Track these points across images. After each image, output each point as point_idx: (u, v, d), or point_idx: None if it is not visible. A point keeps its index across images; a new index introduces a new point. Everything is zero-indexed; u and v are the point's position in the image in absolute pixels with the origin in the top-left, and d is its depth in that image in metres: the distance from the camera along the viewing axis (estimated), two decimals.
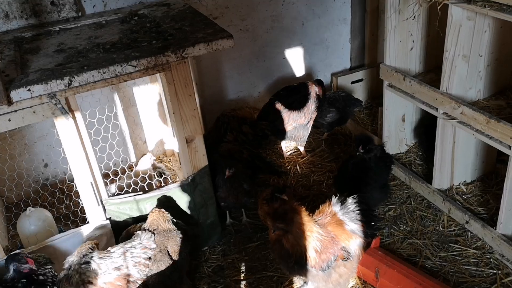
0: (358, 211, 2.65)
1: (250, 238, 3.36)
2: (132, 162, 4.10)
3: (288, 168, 4.02)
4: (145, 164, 3.58)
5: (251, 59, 4.27)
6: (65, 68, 2.52)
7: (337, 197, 2.72)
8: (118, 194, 3.40)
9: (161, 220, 2.78)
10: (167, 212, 2.83)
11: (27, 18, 3.27)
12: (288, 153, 4.20)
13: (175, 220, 2.85)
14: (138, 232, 2.77)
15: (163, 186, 3.10)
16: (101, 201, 2.91)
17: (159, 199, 3.02)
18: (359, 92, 4.65)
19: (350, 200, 2.69)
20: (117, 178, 3.66)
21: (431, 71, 3.62)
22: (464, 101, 2.96)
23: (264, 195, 3.15)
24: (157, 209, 2.83)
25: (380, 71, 3.54)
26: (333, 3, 4.36)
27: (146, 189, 3.22)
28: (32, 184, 3.39)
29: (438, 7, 2.81)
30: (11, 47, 2.91)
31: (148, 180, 3.35)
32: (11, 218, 3.45)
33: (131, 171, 3.84)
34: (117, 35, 3.02)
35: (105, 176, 3.58)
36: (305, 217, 2.54)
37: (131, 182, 3.38)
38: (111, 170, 3.74)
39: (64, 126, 2.61)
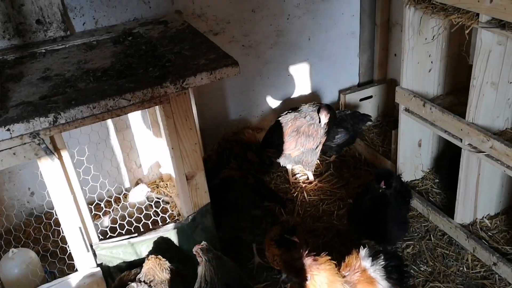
0: (391, 268, 2.36)
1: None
2: (127, 189, 3.81)
3: (295, 195, 3.74)
4: (138, 195, 3.28)
5: (254, 76, 3.98)
6: (50, 102, 2.22)
7: (365, 249, 2.43)
8: (112, 227, 3.11)
9: (158, 269, 2.49)
10: (164, 259, 2.54)
11: (10, 38, 2.97)
12: (295, 178, 3.92)
13: (173, 267, 2.56)
14: (132, 284, 2.47)
15: (161, 227, 2.80)
16: (91, 246, 2.62)
17: (156, 242, 2.73)
18: (368, 109, 4.36)
19: (382, 254, 2.39)
20: (110, 210, 3.36)
21: (451, 94, 3.36)
22: (491, 132, 2.69)
23: (272, 235, 2.86)
24: (153, 256, 2.54)
25: (396, 95, 3.26)
26: (341, 16, 4.08)
27: (143, 221, 2.93)
28: (15, 219, 3.09)
29: (466, 32, 2.53)
30: None
31: (144, 211, 3.06)
32: None
33: (126, 199, 3.57)
34: (109, 59, 2.72)
35: (97, 207, 3.30)
36: (330, 275, 2.24)
37: (125, 213, 3.09)
38: (104, 200, 3.43)
39: (48, 167, 2.31)
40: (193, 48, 2.67)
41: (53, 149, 2.29)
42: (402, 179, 3.22)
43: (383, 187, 2.80)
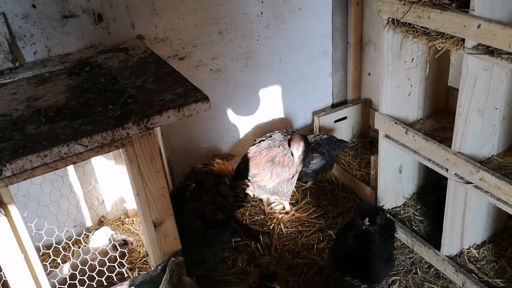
0: None
1: None
2: (89, 228, 3.50)
3: (271, 227, 3.51)
4: (100, 239, 2.98)
5: (223, 101, 3.75)
6: None
7: None
8: (72, 274, 2.81)
9: None
10: None
11: None
12: (270, 208, 3.69)
13: None
14: None
15: (126, 279, 2.52)
16: None
17: None
18: (343, 131, 4.20)
19: None
20: (70, 254, 3.05)
21: (431, 117, 3.22)
22: (478, 160, 2.56)
23: (251, 281, 2.62)
24: None
25: (376, 121, 3.09)
26: (312, 35, 3.90)
27: (106, 272, 2.65)
28: None
29: (452, 58, 2.38)
30: None
31: (109, 253, 2.78)
32: None
33: (88, 240, 3.27)
34: (63, 94, 2.44)
35: (56, 251, 3.00)
36: None
37: (87, 257, 2.79)
38: (62, 243, 3.11)
39: None
40: (158, 81, 2.42)
41: None
42: (385, 211, 3.05)
43: (367, 224, 2.61)
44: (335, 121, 4.14)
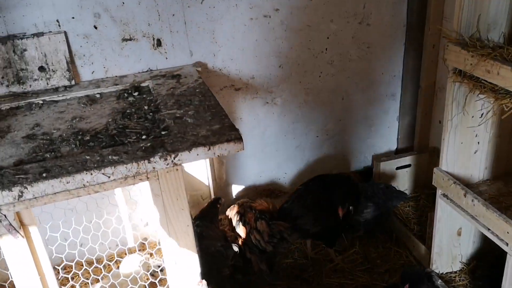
0: None
1: None
2: (130, 249, 3.50)
3: (312, 274, 3.29)
4: (130, 266, 2.95)
5: (278, 135, 3.62)
6: (20, 172, 1.94)
7: None
8: None
9: None
10: None
11: (9, 85, 2.76)
12: (314, 253, 3.47)
13: None
14: None
15: None
16: None
17: None
18: (405, 179, 3.90)
19: None
20: (100, 277, 3.05)
21: (499, 178, 2.87)
22: None
23: None
24: None
25: (434, 177, 2.80)
26: (380, 76, 3.68)
27: None
28: None
29: None
30: None
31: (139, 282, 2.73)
32: None
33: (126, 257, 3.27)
34: (106, 118, 2.44)
35: (95, 270, 3.01)
36: None
37: (116, 283, 2.77)
38: (103, 262, 3.12)
39: (11, 246, 2.01)
40: (198, 114, 2.35)
41: (19, 226, 1.99)
42: (434, 278, 2.73)
43: None
44: (397, 168, 3.85)
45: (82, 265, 2.76)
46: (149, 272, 3.03)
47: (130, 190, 3.35)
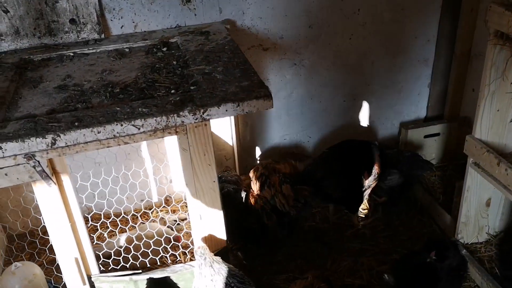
0: None
1: None
2: (154, 204, 3.55)
3: (333, 238, 3.30)
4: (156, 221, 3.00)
5: (304, 98, 3.57)
6: (53, 120, 1.96)
7: None
8: (126, 247, 2.86)
9: None
10: None
11: (40, 37, 2.77)
12: (336, 217, 3.47)
13: None
14: None
15: (168, 266, 2.50)
16: (89, 278, 2.35)
17: (160, 281, 2.43)
18: (433, 148, 3.83)
19: None
20: (127, 228, 3.11)
21: None
22: None
23: None
24: None
25: (466, 145, 2.73)
26: (413, 40, 3.57)
27: (160, 251, 2.64)
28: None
29: None
30: (9, 75, 2.40)
31: (162, 241, 2.78)
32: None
33: (153, 215, 3.33)
34: (135, 72, 2.44)
35: (123, 221, 3.07)
36: None
37: (143, 234, 2.82)
38: (130, 214, 3.17)
39: (44, 192, 2.06)
40: (227, 70, 2.32)
41: (51, 173, 2.02)
42: (460, 247, 2.70)
43: (433, 258, 2.32)
44: (425, 136, 3.78)
45: (110, 215, 2.80)
46: (170, 224, 3.09)
47: (157, 146, 3.38)
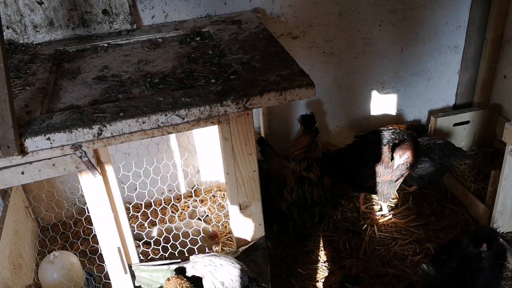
0: None
1: None
2: (182, 194, 3.57)
3: (363, 227, 3.29)
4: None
5: (332, 87, 3.55)
6: (98, 111, 1.96)
7: None
8: (165, 237, 2.86)
9: None
10: (185, 279, 2.29)
11: (74, 28, 2.77)
12: (366, 207, 3.46)
13: None
14: None
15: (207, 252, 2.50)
16: (130, 267, 2.37)
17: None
18: (462, 136, 3.79)
19: None
20: (166, 217, 3.12)
21: None
22: None
23: (331, 281, 2.48)
24: (174, 276, 2.31)
25: (505, 132, 2.70)
26: (443, 26, 3.52)
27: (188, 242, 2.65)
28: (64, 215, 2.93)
29: None
30: (48, 67, 2.41)
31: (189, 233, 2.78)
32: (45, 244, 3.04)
33: (179, 203, 3.34)
34: (171, 62, 2.43)
35: (153, 212, 3.07)
36: None
37: (173, 227, 2.83)
38: (161, 206, 3.17)
39: (89, 182, 2.07)
40: (265, 59, 2.31)
41: (96, 163, 2.03)
42: (499, 235, 2.68)
43: (485, 250, 2.30)
44: (455, 125, 3.74)
45: (151, 205, 2.81)
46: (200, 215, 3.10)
47: (187, 137, 3.38)
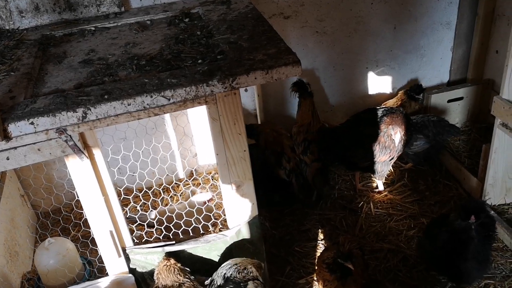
0: None
1: None
2: (180, 179, 3.57)
3: (360, 205, 3.30)
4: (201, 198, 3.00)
5: (326, 66, 3.53)
6: (82, 94, 1.96)
7: None
8: (159, 219, 2.86)
9: (165, 272, 2.30)
10: (174, 261, 2.35)
11: (61, 12, 2.75)
12: (362, 185, 3.46)
13: (187, 269, 2.37)
14: None
15: (202, 236, 2.52)
16: (124, 250, 2.39)
17: (192, 251, 2.46)
18: (457, 112, 3.78)
19: None
20: (159, 200, 3.13)
21: None
22: None
23: (324, 257, 2.49)
24: (165, 258, 2.36)
25: (493, 106, 2.69)
26: (435, 3, 3.49)
27: (192, 221, 2.65)
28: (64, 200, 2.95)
29: None
30: (33, 52, 2.40)
31: (194, 212, 2.79)
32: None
33: (178, 188, 3.35)
34: (159, 44, 2.42)
35: (146, 196, 3.08)
36: None
37: (175, 207, 2.83)
38: (152, 189, 3.18)
39: (77, 166, 2.07)
40: (252, 39, 2.29)
41: (83, 147, 2.03)
42: (488, 207, 2.69)
43: (474, 222, 2.31)
44: (449, 101, 3.73)
45: (142, 188, 2.81)
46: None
47: (178, 118, 3.37)
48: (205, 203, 2.87)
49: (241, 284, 2.22)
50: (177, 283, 2.30)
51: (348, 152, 3.16)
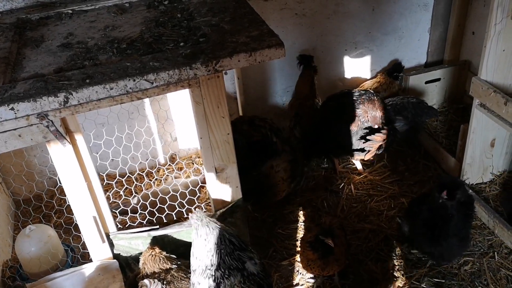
0: None
1: None
2: (161, 164, 3.55)
3: (341, 186, 3.35)
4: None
5: (306, 49, 3.53)
6: (63, 79, 1.92)
7: None
8: (142, 204, 2.85)
9: (151, 261, 2.32)
10: (159, 251, 2.36)
11: None
12: (342, 167, 3.51)
13: (173, 257, 2.39)
14: (145, 281, 2.24)
15: (185, 220, 2.52)
16: (108, 235, 2.38)
17: (176, 236, 2.46)
18: (434, 93, 3.84)
19: None
20: (142, 185, 3.11)
21: None
22: None
23: (308, 236, 2.53)
24: (149, 247, 2.37)
25: (472, 87, 2.75)
26: None
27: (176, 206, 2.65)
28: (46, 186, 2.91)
29: None
30: (9, 36, 2.34)
31: (178, 196, 2.79)
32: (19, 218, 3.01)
33: (159, 173, 3.33)
34: (139, 27, 2.38)
35: (128, 181, 3.05)
36: None
37: (158, 190, 2.81)
38: (135, 174, 3.16)
39: (59, 152, 2.04)
40: (234, 21, 2.27)
41: (65, 132, 2.00)
42: (467, 186, 2.76)
43: (445, 197, 2.37)
44: (426, 82, 3.78)
45: (125, 174, 2.78)
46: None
47: (160, 102, 3.34)
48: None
49: None
50: (165, 269, 2.30)
51: (328, 134, 3.18)
